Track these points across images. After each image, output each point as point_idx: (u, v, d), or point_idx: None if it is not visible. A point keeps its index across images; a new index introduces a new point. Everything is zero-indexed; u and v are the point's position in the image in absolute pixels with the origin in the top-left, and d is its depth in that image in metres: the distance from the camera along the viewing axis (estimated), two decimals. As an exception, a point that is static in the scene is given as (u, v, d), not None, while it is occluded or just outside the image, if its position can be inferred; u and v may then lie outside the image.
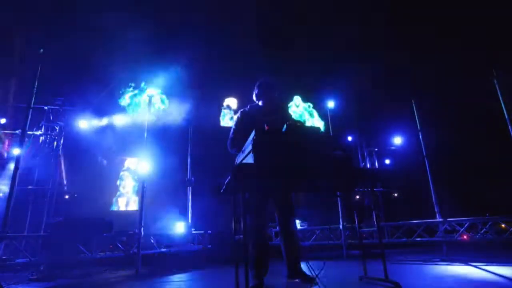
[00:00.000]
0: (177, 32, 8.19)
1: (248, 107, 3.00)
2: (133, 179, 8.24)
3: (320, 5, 8.96)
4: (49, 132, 7.04)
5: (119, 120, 8.14)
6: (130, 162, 8.29)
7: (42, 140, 7.01)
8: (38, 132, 6.91)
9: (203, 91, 7.84)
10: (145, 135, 5.01)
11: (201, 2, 8.11)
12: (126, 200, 8.07)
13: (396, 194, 10.09)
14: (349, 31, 8.84)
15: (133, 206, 8.05)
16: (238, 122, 2.91)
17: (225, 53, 8.52)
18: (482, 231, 4.93)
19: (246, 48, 8.24)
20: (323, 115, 10.27)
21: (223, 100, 9.15)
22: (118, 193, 8.06)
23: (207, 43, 8.11)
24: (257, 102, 3.00)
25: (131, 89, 7.53)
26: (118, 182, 8.10)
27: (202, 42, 7.90)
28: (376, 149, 8.69)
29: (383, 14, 8.70)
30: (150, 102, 5.42)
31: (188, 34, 8.07)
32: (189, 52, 7.29)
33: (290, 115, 3.06)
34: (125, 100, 7.39)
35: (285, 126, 2.14)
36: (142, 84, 7.16)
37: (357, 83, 8.76)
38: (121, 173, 8.17)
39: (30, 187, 6.74)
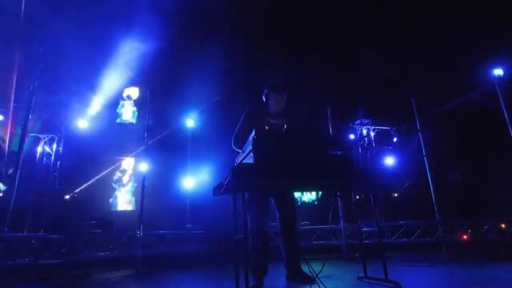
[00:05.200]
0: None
1: (257, 105, 2.97)
2: (130, 178, 8.25)
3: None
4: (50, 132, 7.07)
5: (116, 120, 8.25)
6: (127, 162, 8.29)
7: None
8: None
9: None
10: (145, 135, 5.01)
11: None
12: (124, 199, 8.08)
13: (396, 194, 10.07)
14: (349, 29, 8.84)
15: (132, 205, 8.05)
16: (244, 120, 2.90)
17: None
18: (482, 231, 4.92)
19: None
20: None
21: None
22: (116, 191, 8.06)
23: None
24: (266, 102, 2.97)
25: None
26: (115, 179, 8.11)
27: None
28: (375, 149, 8.68)
29: (381, 12, 8.69)
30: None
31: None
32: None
33: (296, 119, 3.03)
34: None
35: (285, 126, 2.15)
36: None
37: (357, 82, 8.76)
38: (117, 173, 8.17)
39: (31, 187, 6.74)
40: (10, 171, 5.63)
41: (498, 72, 5.58)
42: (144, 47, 7.50)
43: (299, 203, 9.30)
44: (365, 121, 8.60)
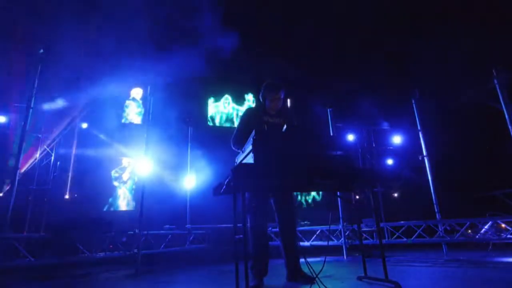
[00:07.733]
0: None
1: (255, 105, 3.00)
2: (130, 175, 8.25)
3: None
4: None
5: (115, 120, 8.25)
6: (127, 160, 8.29)
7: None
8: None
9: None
10: (145, 135, 5.00)
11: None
12: (124, 198, 8.08)
13: (396, 194, 10.08)
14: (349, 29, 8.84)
15: (132, 205, 8.05)
16: (243, 120, 2.90)
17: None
18: (482, 231, 4.92)
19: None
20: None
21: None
22: (117, 189, 8.06)
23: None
24: (263, 102, 2.97)
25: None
26: (115, 176, 8.11)
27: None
28: (376, 149, 8.68)
29: (378, 12, 8.70)
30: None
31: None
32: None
33: (294, 118, 3.04)
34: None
35: (285, 126, 2.15)
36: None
37: (357, 82, 8.76)
38: (116, 171, 8.17)
39: (31, 187, 6.74)
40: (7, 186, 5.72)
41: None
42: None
43: (299, 203, 9.32)
44: (365, 121, 8.60)
